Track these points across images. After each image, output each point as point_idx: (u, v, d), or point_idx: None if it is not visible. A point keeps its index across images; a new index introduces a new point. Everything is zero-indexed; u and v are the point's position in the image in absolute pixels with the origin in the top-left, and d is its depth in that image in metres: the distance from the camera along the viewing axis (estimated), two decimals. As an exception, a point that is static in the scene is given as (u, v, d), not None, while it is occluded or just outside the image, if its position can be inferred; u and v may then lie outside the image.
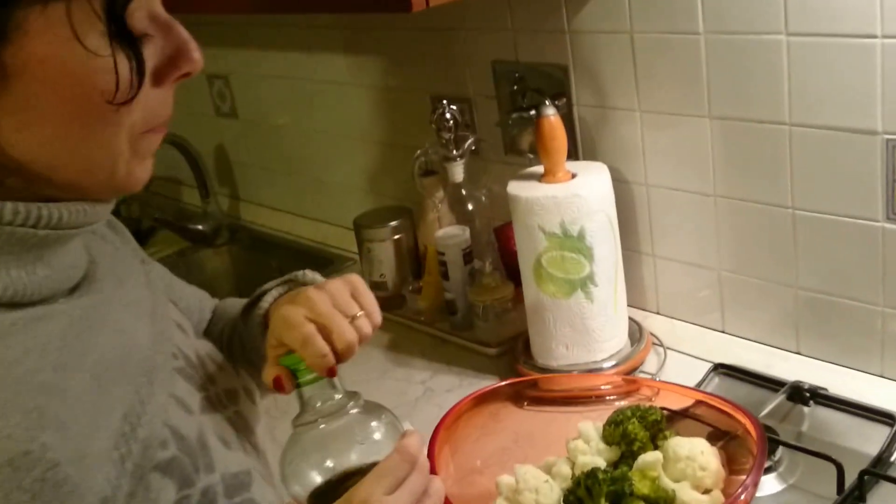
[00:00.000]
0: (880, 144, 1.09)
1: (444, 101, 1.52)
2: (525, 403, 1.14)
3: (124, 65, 0.61)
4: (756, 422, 1.00)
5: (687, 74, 1.24)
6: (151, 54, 0.64)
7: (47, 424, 0.59)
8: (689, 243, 1.37)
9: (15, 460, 0.56)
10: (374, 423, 0.77)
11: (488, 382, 1.39)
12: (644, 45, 1.28)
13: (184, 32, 0.66)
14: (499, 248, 1.58)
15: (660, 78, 1.28)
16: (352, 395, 0.78)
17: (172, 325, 0.83)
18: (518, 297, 1.51)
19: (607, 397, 1.14)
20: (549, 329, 1.35)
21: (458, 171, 1.54)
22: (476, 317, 1.52)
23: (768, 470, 1.11)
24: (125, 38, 0.61)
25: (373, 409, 0.79)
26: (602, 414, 1.11)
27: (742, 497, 0.88)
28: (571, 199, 1.27)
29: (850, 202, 1.15)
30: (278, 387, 0.77)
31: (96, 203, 0.69)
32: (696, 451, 0.96)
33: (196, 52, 0.66)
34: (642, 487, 0.91)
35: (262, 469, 0.83)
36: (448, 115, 1.51)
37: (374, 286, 1.69)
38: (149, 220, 2.36)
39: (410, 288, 1.67)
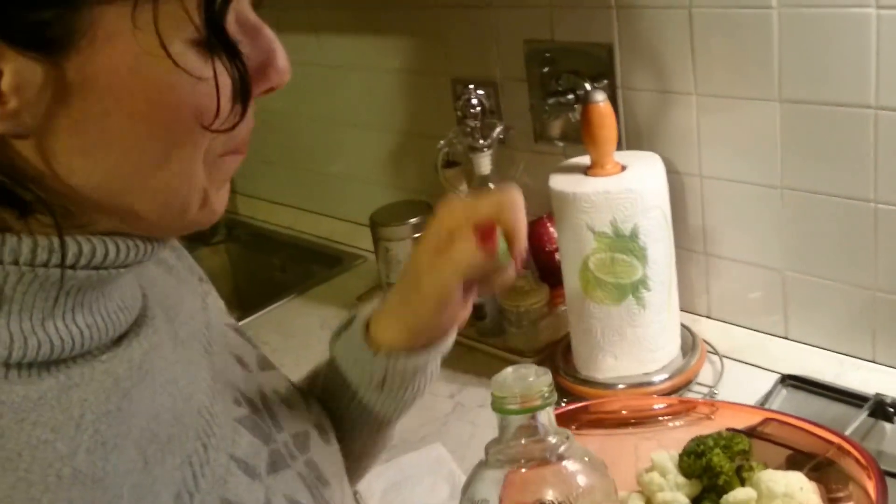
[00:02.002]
0: None
1: (471, 87, 1.38)
2: (574, 427, 1.03)
3: (225, 82, 0.50)
4: (861, 448, 0.89)
5: (755, 54, 1.11)
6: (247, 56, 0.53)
7: None
8: (747, 240, 1.24)
9: None
10: (581, 472, 0.66)
11: (525, 396, 1.30)
12: (705, 21, 1.14)
13: (272, 36, 0.55)
14: (529, 245, 1.44)
15: (722, 58, 1.15)
16: (563, 438, 0.66)
17: (231, 359, 0.69)
18: (553, 301, 1.38)
19: (660, 417, 1.05)
20: (595, 339, 1.22)
21: (484, 163, 1.40)
22: (508, 323, 1.39)
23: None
24: (227, 49, 0.50)
25: (587, 460, 0.67)
26: (657, 436, 1.02)
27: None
28: (625, 194, 1.13)
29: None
30: (486, 238, 0.68)
31: (150, 238, 0.55)
32: (795, 488, 0.85)
33: (284, 61, 0.55)
34: (737, 530, 0.82)
35: None
36: (474, 101, 1.37)
37: (392, 289, 1.56)
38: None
39: (432, 290, 1.53)
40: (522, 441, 0.65)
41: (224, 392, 0.63)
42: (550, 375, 0.65)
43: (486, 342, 1.43)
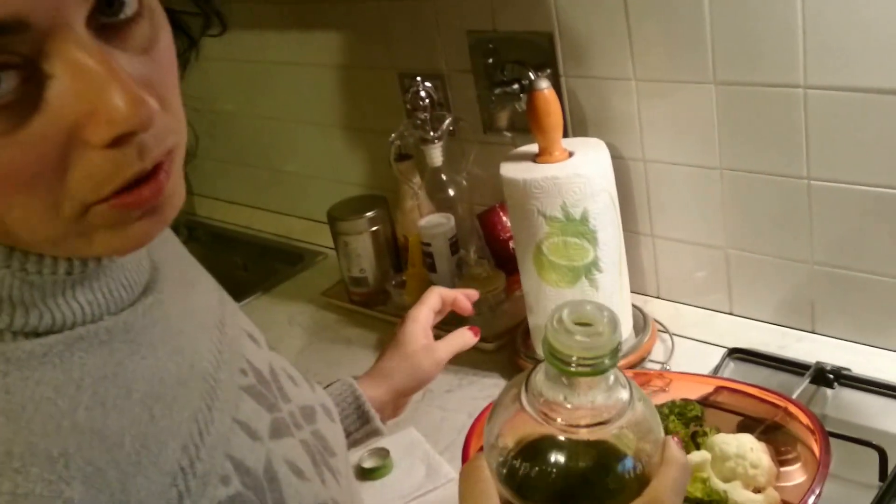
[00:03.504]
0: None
1: (418, 79, 1.41)
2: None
3: None
4: (806, 410, 0.94)
5: (689, 38, 1.15)
6: (65, 105, 0.47)
7: (75, 474, 0.49)
8: (691, 221, 1.28)
9: None
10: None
11: (489, 380, 1.34)
12: (639, 7, 1.18)
13: (97, 75, 0.46)
14: (484, 235, 1.48)
15: (658, 43, 1.19)
16: (622, 400, 0.54)
17: (243, 335, 0.73)
18: (510, 287, 1.42)
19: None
20: (552, 321, 1.25)
21: (436, 155, 1.44)
22: (467, 310, 1.42)
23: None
24: None
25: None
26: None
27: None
28: (573, 179, 1.17)
29: (875, 169, 1.07)
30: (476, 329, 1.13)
31: None
32: (746, 448, 0.91)
33: (115, 111, 0.46)
34: (694, 490, 0.87)
35: (345, 498, 0.74)
36: (423, 94, 1.40)
37: (355, 282, 1.59)
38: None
39: (393, 282, 1.56)
40: (567, 398, 0.52)
41: (231, 362, 0.67)
42: (619, 328, 0.52)
43: (448, 331, 1.45)
